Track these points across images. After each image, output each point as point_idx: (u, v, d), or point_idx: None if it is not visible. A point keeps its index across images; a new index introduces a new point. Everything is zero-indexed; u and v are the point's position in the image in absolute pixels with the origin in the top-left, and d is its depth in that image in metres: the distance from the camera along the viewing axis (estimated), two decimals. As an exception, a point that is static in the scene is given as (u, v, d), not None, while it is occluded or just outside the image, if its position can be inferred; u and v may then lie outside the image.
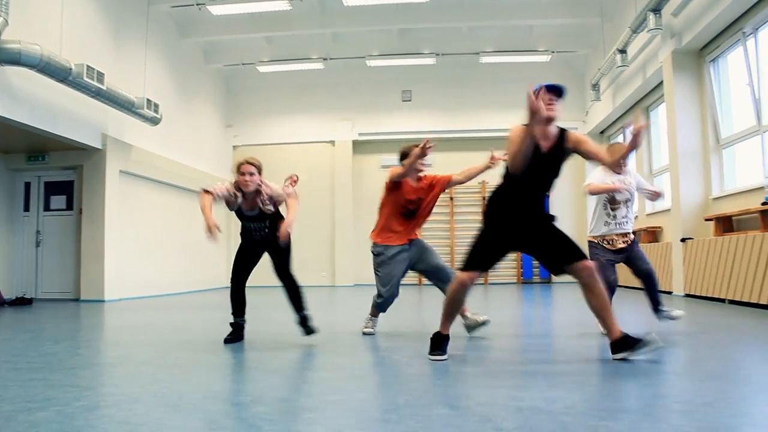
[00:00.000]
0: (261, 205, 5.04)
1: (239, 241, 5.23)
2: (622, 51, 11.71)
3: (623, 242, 5.36)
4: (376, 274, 5.51)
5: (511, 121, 15.40)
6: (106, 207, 11.08)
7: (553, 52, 15.30)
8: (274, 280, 5.00)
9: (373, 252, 5.56)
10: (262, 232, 5.13)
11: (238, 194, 4.99)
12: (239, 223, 5.18)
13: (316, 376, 3.62)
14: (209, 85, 16.29)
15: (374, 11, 13.88)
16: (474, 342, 4.96)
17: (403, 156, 5.41)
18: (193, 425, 2.56)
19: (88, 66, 9.44)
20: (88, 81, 9.47)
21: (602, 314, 3.95)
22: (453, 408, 2.79)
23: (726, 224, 9.12)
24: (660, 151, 12.61)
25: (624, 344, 3.84)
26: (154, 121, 12.06)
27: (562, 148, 4.03)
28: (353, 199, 16.83)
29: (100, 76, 9.75)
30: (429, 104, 16.69)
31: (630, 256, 5.39)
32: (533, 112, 3.66)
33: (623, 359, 3.83)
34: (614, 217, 5.39)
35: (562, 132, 4.06)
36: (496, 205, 4.11)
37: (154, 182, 13.04)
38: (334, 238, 16.84)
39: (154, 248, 12.92)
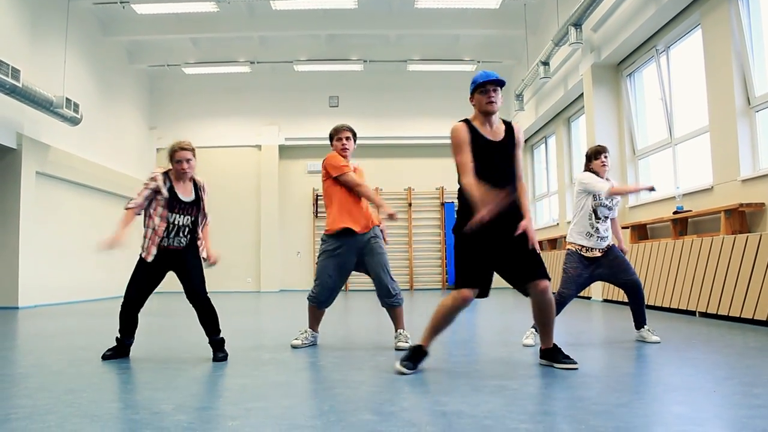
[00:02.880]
0: (198, 191, 4.68)
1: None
2: (545, 63, 12.06)
3: (600, 251, 5.19)
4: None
5: (437, 128, 15.36)
6: (22, 210, 10.62)
7: (478, 61, 15.65)
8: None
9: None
10: (183, 235, 4.57)
11: (165, 185, 4.57)
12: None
13: (240, 384, 3.57)
14: (133, 86, 15.86)
15: (302, 16, 13.86)
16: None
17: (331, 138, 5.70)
18: (111, 436, 2.48)
19: (1, 61, 9.05)
20: (2, 77, 9.07)
21: (545, 327, 4.06)
22: (378, 414, 2.81)
23: (641, 232, 9.50)
24: (581, 161, 12.98)
25: (552, 355, 4.02)
26: (74, 121, 11.65)
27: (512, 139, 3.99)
28: (279, 205, 16.72)
29: (15, 73, 9.35)
30: (356, 110, 16.72)
31: (611, 264, 5.19)
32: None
33: (547, 365, 4.01)
34: (597, 230, 5.16)
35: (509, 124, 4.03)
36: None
37: (73, 184, 12.59)
38: (259, 243, 16.65)
39: (73, 253, 12.46)
